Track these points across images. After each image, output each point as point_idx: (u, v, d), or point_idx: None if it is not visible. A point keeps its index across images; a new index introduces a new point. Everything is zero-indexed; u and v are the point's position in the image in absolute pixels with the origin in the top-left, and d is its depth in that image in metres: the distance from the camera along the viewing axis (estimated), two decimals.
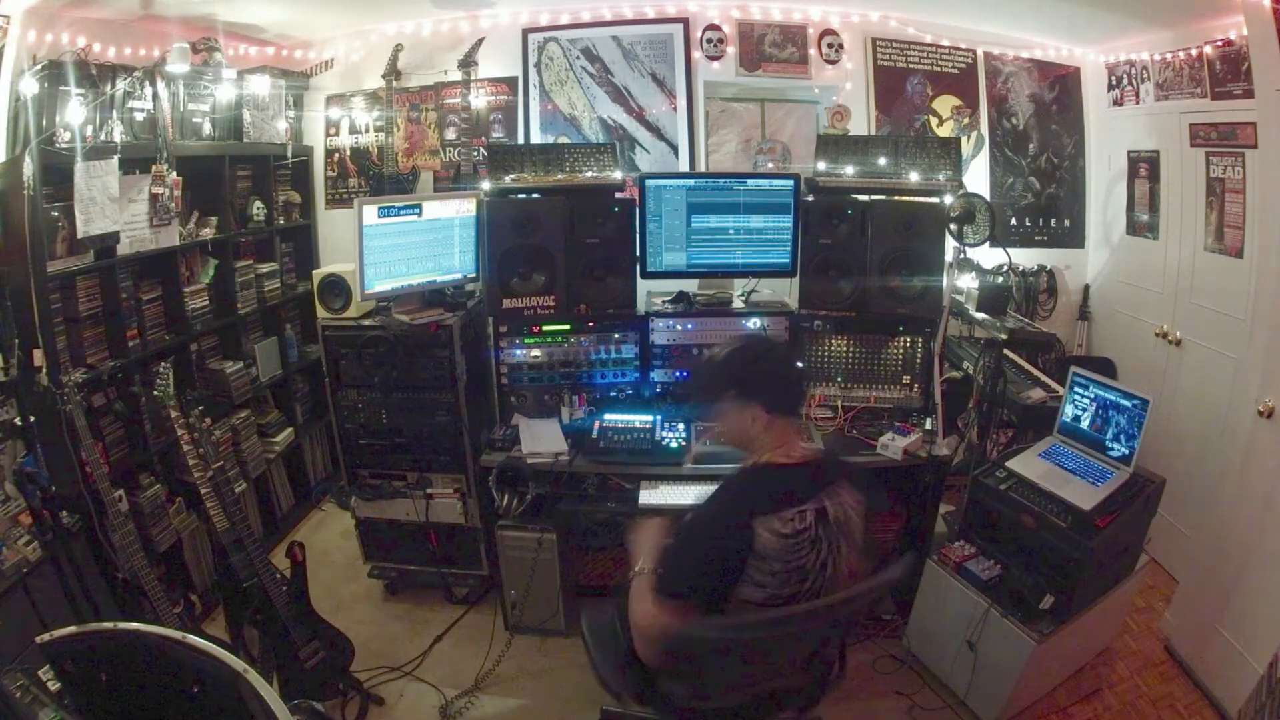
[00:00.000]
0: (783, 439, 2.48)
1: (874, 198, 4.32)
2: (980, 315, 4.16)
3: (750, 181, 4.48)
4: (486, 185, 4.38)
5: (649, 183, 4.41)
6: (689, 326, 4.44)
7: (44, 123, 3.62)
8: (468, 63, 5.25)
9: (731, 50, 5.43)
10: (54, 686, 2.40)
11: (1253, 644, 3.43)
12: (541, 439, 4.10)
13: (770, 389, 2.49)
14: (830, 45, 5.42)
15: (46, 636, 2.05)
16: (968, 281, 4.28)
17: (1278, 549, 3.41)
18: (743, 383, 2.52)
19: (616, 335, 4.43)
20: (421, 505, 4.39)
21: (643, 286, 4.56)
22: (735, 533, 2.30)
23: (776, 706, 2.62)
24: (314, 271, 4.48)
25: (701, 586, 2.34)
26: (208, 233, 4.65)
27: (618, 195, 4.45)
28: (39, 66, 3.60)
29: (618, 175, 4.45)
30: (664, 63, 5.45)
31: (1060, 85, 5.62)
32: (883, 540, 4.31)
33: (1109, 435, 3.68)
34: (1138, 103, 5.01)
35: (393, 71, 5.34)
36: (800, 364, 2.51)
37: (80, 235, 3.64)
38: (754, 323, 4.40)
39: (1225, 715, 3.59)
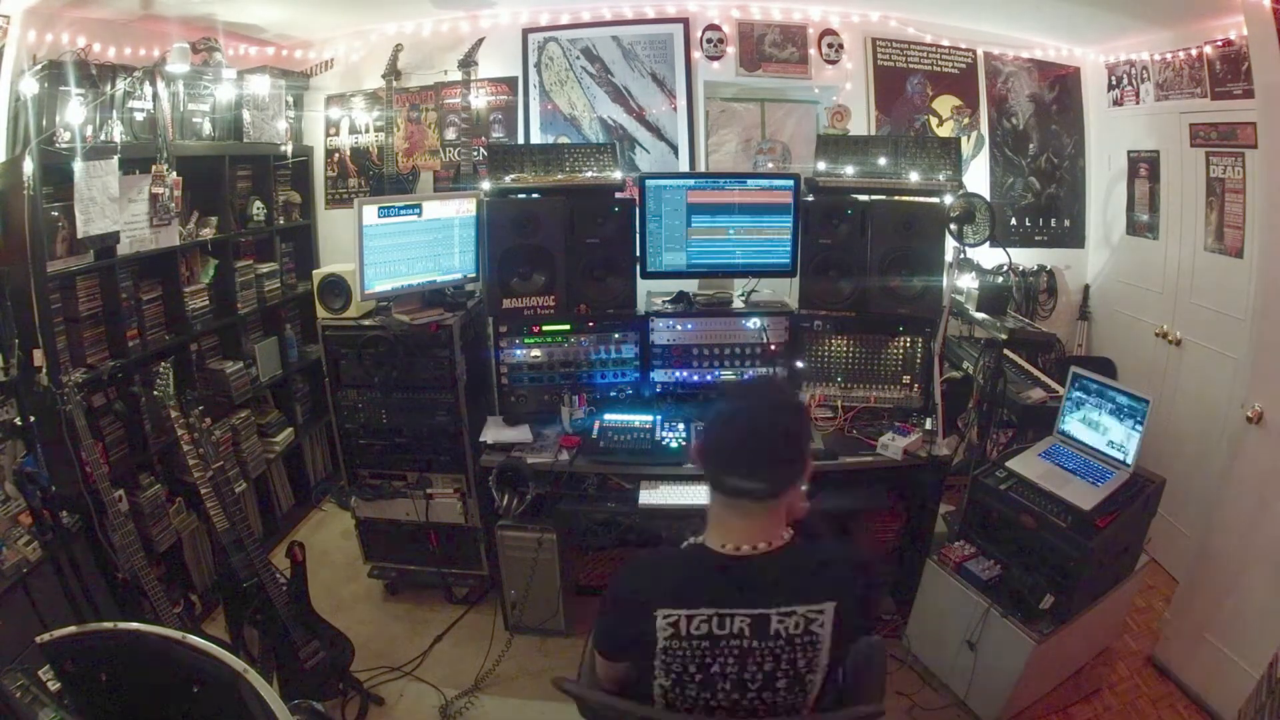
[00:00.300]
0: (727, 525, 2.03)
1: (874, 198, 4.32)
2: (980, 315, 4.16)
3: (750, 181, 4.48)
4: (486, 185, 4.38)
5: (649, 183, 4.41)
6: (689, 326, 4.44)
7: (44, 123, 3.62)
8: (468, 63, 5.25)
9: (731, 50, 5.44)
10: (54, 686, 2.40)
11: (1247, 647, 3.44)
12: (506, 431, 4.18)
13: (709, 449, 2.05)
14: (830, 45, 5.42)
15: (46, 636, 2.05)
16: (968, 281, 4.29)
17: (1269, 553, 3.41)
18: (703, 425, 2.16)
19: (616, 335, 4.43)
20: (421, 505, 4.40)
21: (643, 286, 4.57)
22: (630, 621, 2.02)
23: None
24: (314, 271, 4.49)
25: (615, 649, 2.14)
26: (208, 233, 4.66)
27: (618, 195, 4.45)
28: (39, 66, 3.60)
29: (618, 175, 4.45)
30: (664, 63, 5.45)
31: (1060, 85, 5.62)
32: (883, 540, 4.32)
33: (1109, 435, 3.68)
34: (1138, 103, 5.01)
35: (393, 71, 5.33)
36: (779, 422, 2.04)
37: (80, 235, 3.64)
38: (754, 323, 4.40)
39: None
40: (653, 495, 3.84)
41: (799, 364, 4.38)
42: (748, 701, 2.03)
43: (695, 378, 4.46)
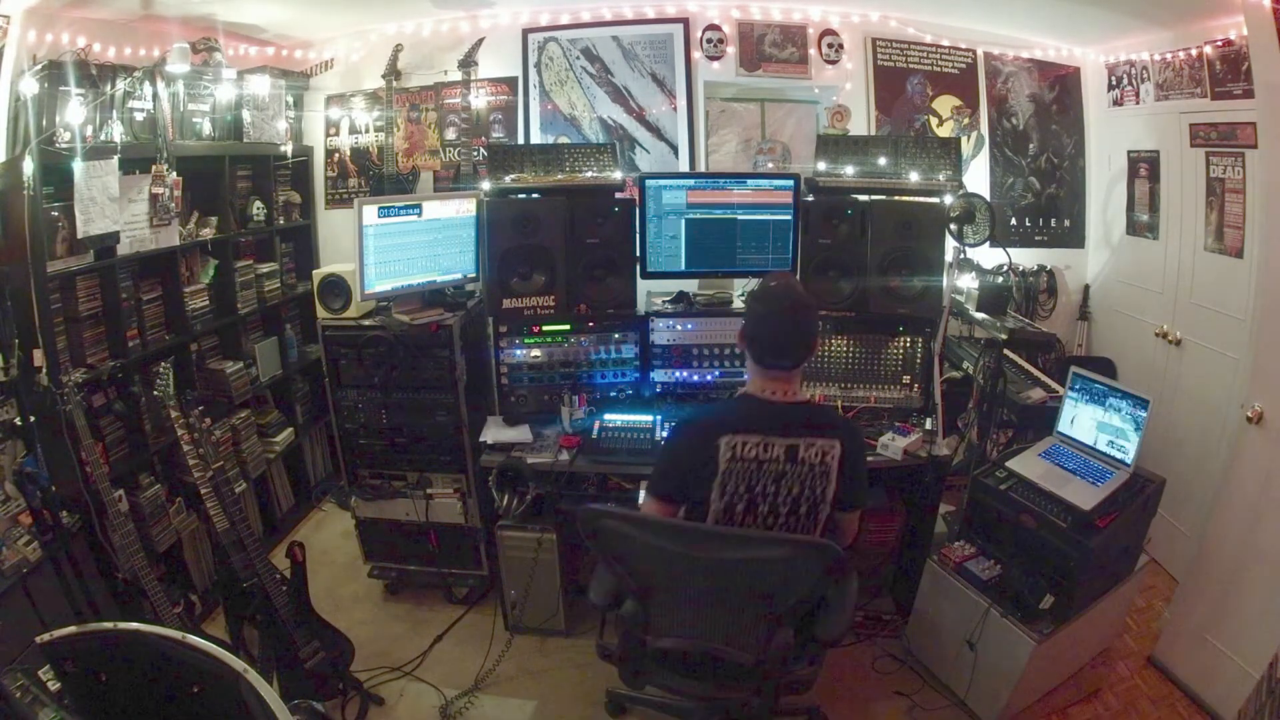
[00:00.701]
0: (766, 383, 2.79)
1: (874, 198, 4.30)
2: (980, 315, 4.16)
3: (750, 182, 4.47)
4: (486, 185, 4.37)
5: (649, 183, 4.40)
6: (689, 326, 4.44)
7: (44, 123, 3.62)
8: (468, 63, 5.25)
9: (731, 50, 5.44)
10: (54, 686, 2.40)
11: (1246, 646, 3.44)
12: (506, 431, 4.19)
13: (753, 338, 2.81)
14: (830, 45, 5.42)
15: (47, 636, 2.05)
16: (968, 281, 4.28)
17: (1268, 553, 3.41)
18: (746, 320, 2.90)
19: (616, 335, 4.42)
20: (421, 505, 4.39)
21: (643, 286, 4.56)
22: (700, 447, 2.72)
23: (723, 678, 2.86)
24: (314, 271, 4.48)
25: (673, 487, 2.82)
26: (208, 233, 4.66)
27: (618, 195, 4.44)
28: (39, 66, 3.59)
29: (618, 175, 4.44)
30: (664, 63, 5.46)
31: (1060, 85, 5.62)
32: (883, 541, 4.31)
33: (1109, 435, 3.68)
34: (1138, 103, 5.01)
35: (393, 71, 5.33)
36: (801, 320, 2.81)
37: (80, 235, 3.64)
38: None
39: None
40: None
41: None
42: (777, 528, 2.76)
43: (695, 378, 4.46)
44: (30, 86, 3.57)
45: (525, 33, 5.45)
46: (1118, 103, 5.27)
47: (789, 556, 2.53)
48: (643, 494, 3.21)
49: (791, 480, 2.72)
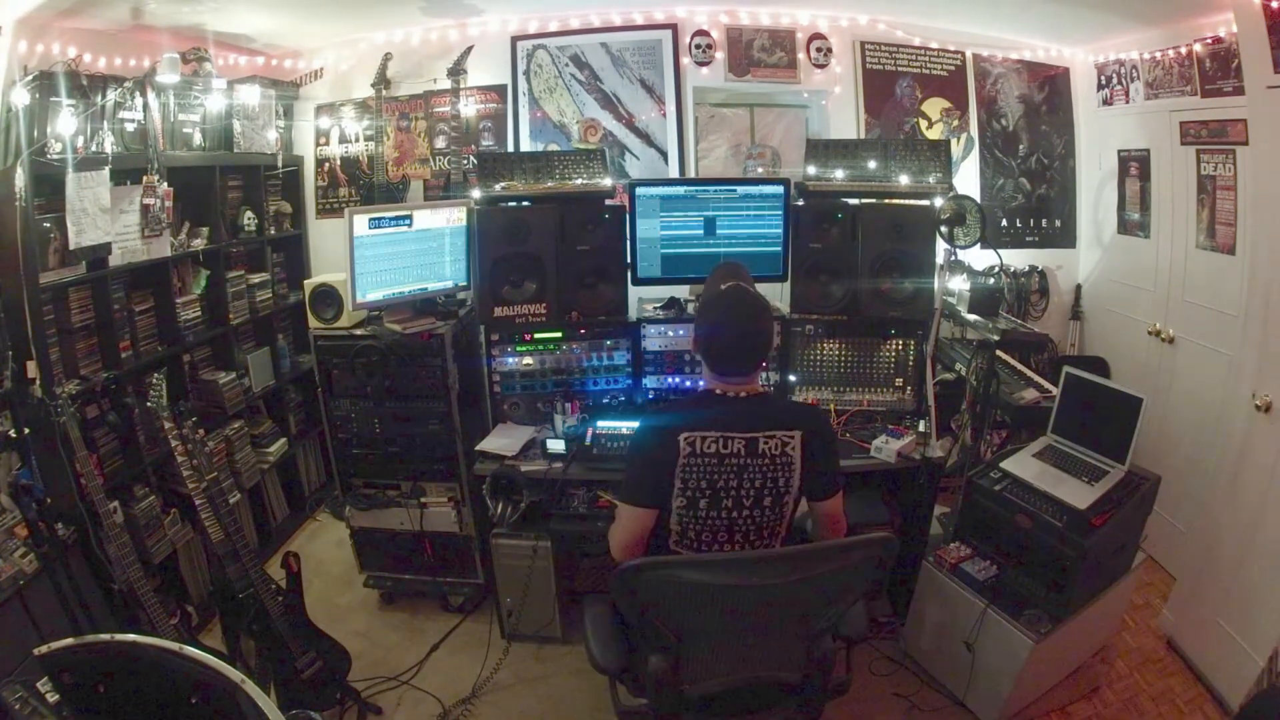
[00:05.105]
0: (724, 385, 2.75)
1: (864, 201, 4.32)
2: (972, 317, 4.17)
3: (740, 187, 4.47)
4: (477, 194, 4.35)
5: (639, 189, 4.41)
6: (680, 332, 4.43)
7: (35, 133, 3.60)
8: (457, 71, 5.26)
9: (720, 56, 5.45)
10: (53, 699, 2.39)
11: (1252, 638, 3.45)
12: (498, 439, 4.17)
13: (708, 348, 2.78)
14: (819, 49, 5.44)
15: (44, 648, 2.04)
16: (959, 283, 4.29)
17: (1276, 542, 3.42)
18: (698, 329, 2.87)
19: (608, 342, 4.43)
20: (416, 514, 4.38)
21: (634, 293, 4.56)
22: (664, 445, 2.63)
23: (766, 703, 2.73)
24: (305, 281, 4.46)
25: (649, 492, 2.70)
26: (199, 243, 4.65)
27: (608, 202, 4.44)
28: (30, 77, 3.58)
29: (607, 182, 4.42)
30: (653, 69, 5.46)
31: (1049, 86, 5.65)
32: None
33: (1103, 434, 3.69)
34: (1127, 102, 5.04)
35: (382, 80, 5.34)
36: (756, 328, 2.74)
37: (72, 246, 3.64)
38: None
39: (1228, 709, 3.60)
40: None
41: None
42: (742, 519, 2.70)
43: (688, 383, 4.46)
44: (21, 97, 3.56)
45: (514, 40, 5.46)
46: (1107, 102, 5.30)
47: (856, 563, 2.42)
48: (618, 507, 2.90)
49: (753, 473, 2.65)
